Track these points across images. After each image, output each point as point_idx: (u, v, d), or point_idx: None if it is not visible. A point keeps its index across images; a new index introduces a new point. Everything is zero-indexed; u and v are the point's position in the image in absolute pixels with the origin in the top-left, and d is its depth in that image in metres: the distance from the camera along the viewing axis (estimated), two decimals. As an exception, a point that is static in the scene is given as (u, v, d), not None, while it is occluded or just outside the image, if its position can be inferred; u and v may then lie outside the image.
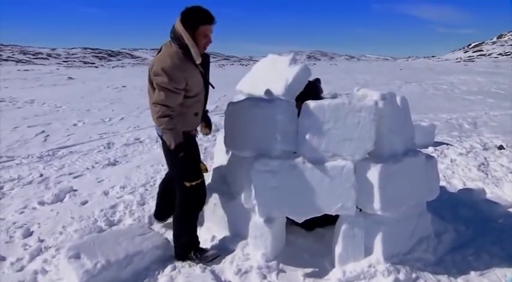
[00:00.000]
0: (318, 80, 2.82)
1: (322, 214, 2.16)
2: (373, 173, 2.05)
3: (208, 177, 2.78)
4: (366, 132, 2.04)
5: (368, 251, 2.20)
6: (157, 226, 2.79)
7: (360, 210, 2.20)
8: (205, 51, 2.20)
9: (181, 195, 2.30)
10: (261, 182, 2.14)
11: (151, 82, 2.13)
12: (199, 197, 2.32)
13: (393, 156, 2.19)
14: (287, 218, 2.32)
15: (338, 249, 2.19)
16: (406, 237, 2.30)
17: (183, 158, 2.09)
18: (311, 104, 2.12)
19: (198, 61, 2.09)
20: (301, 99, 2.36)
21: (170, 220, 2.55)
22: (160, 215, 2.76)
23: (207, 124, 2.52)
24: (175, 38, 2.07)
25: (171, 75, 1.99)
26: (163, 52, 2.11)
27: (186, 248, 2.31)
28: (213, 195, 2.61)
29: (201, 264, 2.21)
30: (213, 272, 2.14)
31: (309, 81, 2.57)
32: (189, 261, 2.26)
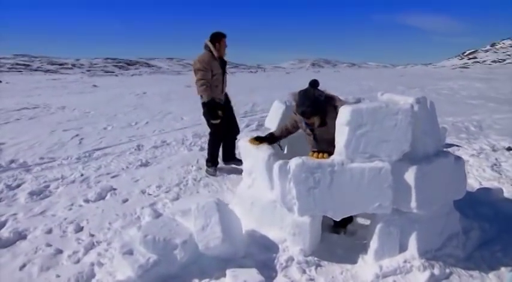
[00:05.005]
0: (313, 84, 2.37)
1: (359, 213, 2.13)
2: (410, 174, 2.03)
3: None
4: (403, 134, 2.01)
5: (402, 247, 2.17)
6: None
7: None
8: (225, 59, 3.94)
9: (210, 132, 4.00)
10: (301, 183, 2.10)
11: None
12: (220, 130, 3.94)
13: (426, 157, 2.16)
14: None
15: (374, 245, 2.16)
16: (437, 234, 2.26)
17: (211, 111, 3.75)
18: (349, 108, 2.09)
19: (216, 55, 3.73)
20: (307, 114, 2.30)
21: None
22: (225, 158, 4.23)
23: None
24: (206, 46, 3.75)
25: (201, 63, 3.64)
26: (198, 55, 3.76)
27: (207, 161, 4.05)
28: (250, 193, 2.60)
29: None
30: (257, 267, 2.11)
31: (307, 94, 2.30)
32: None
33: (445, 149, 4.96)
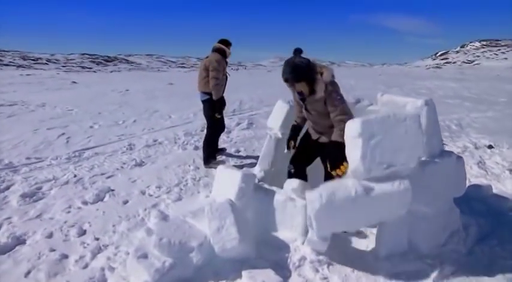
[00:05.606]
0: (295, 51, 2.35)
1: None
2: (419, 174, 2.07)
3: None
4: (414, 138, 1.99)
5: (411, 244, 2.22)
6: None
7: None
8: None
9: (210, 126, 4.39)
10: (321, 217, 1.98)
11: (206, 69, 4.15)
12: (221, 126, 4.46)
13: (432, 157, 2.22)
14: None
15: (383, 244, 2.20)
16: (442, 231, 2.33)
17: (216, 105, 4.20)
18: (357, 120, 2.03)
19: (228, 58, 4.27)
20: (289, 80, 2.31)
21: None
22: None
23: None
24: (218, 50, 4.22)
25: (217, 63, 4.07)
26: (212, 55, 4.19)
27: (205, 158, 4.31)
28: (260, 194, 2.58)
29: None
30: (272, 267, 2.11)
31: (288, 61, 2.30)
32: None
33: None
